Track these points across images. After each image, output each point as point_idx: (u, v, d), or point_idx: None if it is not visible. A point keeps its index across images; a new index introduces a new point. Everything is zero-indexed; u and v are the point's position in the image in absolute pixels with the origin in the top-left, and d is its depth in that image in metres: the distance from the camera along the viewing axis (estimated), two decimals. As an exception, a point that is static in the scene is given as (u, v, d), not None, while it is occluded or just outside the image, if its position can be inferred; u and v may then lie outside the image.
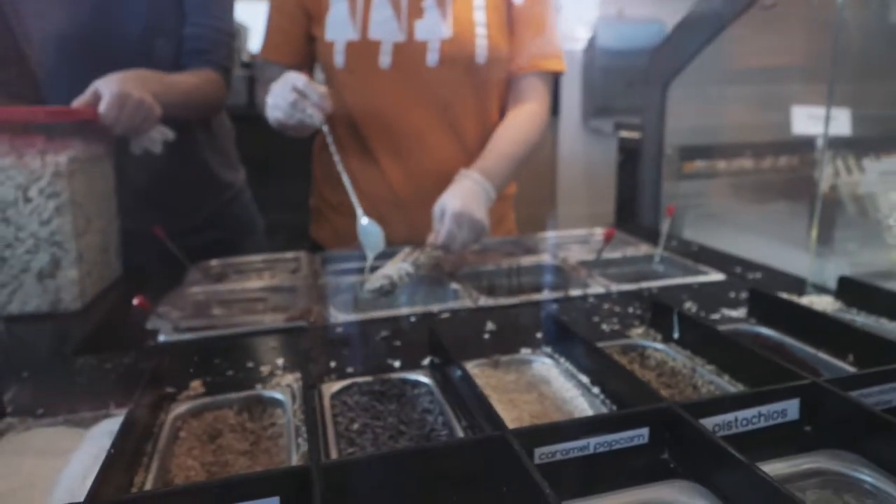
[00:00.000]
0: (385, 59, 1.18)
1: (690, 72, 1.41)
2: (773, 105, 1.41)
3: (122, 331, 0.88)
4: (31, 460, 0.56)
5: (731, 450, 0.47)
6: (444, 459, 0.49)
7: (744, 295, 0.94)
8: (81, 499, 0.49)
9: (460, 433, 0.59)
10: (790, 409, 0.57)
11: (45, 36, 1.15)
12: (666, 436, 0.53)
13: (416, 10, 1.16)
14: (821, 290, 0.96)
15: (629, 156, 2.11)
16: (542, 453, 0.51)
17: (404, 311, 0.92)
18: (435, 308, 0.93)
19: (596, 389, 0.66)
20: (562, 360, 0.74)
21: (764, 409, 0.56)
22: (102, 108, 0.96)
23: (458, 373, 0.65)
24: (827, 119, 0.90)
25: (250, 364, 0.75)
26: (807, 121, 1.20)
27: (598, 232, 1.38)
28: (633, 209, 1.59)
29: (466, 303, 0.95)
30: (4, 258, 0.90)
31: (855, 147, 1.24)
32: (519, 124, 1.23)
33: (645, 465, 0.53)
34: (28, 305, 0.92)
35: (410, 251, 1.02)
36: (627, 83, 2.81)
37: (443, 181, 1.11)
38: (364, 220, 1.07)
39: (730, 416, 0.55)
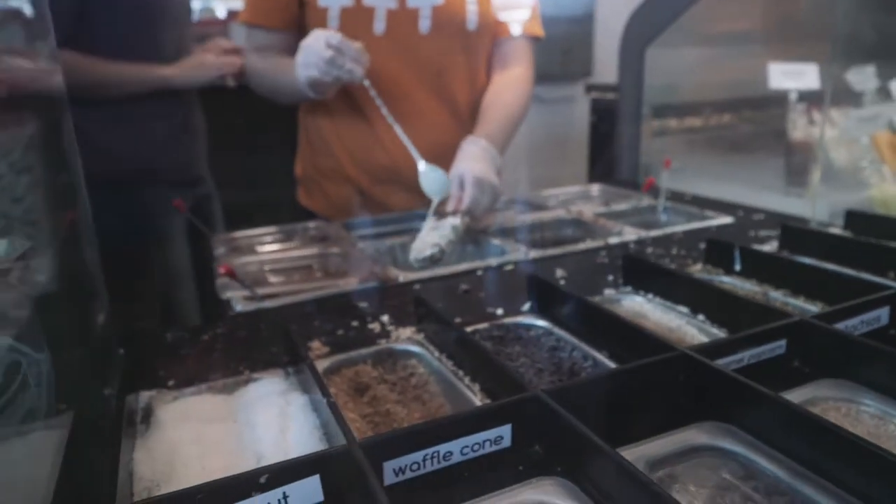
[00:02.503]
0: (379, 26, 1.17)
1: (663, 35, 1.50)
2: (740, 64, 1.54)
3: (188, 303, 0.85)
4: (200, 426, 0.55)
5: (877, 344, 0.55)
6: (640, 378, 0.53)
7: (763, 233, 1.04)
8: (290, 454, 0.50)
9: (608, 362, 0.64)
10: (882, 315, 0.66)
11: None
12: (800, 346, 0.61)
13: None
14: (824, 225, 1.08)
15: (602, 116, 2.22)
16: (711, 367, 0.56)
17: (465, 266, 0.95)
18: (493, 262, 0.96)
19: (701, 317, 0.73)
20: (649, 295, 0.80)
21: (865, 316, 0.65)
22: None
23: (578, 307, 0.69)
24: (828, 77, 1.01)
25: (355, 323, 0.75)
26: (781, 77, 1.31)
27: (595, 188, 1.45)
28: (609, 166, 1.68)
29: (519, 255, 0.99)
30: None
31: (819, 100, 1.38)
32: (512, 90, 1.27)
33: (786, 372, 0.60)
34: None
35: (438, 218, 1.03)
36: (563, 50, 2.91)
37: (435, 147, 1.13)
38: (423, 166, 1.08)
39: (841, 325, 0.64)
